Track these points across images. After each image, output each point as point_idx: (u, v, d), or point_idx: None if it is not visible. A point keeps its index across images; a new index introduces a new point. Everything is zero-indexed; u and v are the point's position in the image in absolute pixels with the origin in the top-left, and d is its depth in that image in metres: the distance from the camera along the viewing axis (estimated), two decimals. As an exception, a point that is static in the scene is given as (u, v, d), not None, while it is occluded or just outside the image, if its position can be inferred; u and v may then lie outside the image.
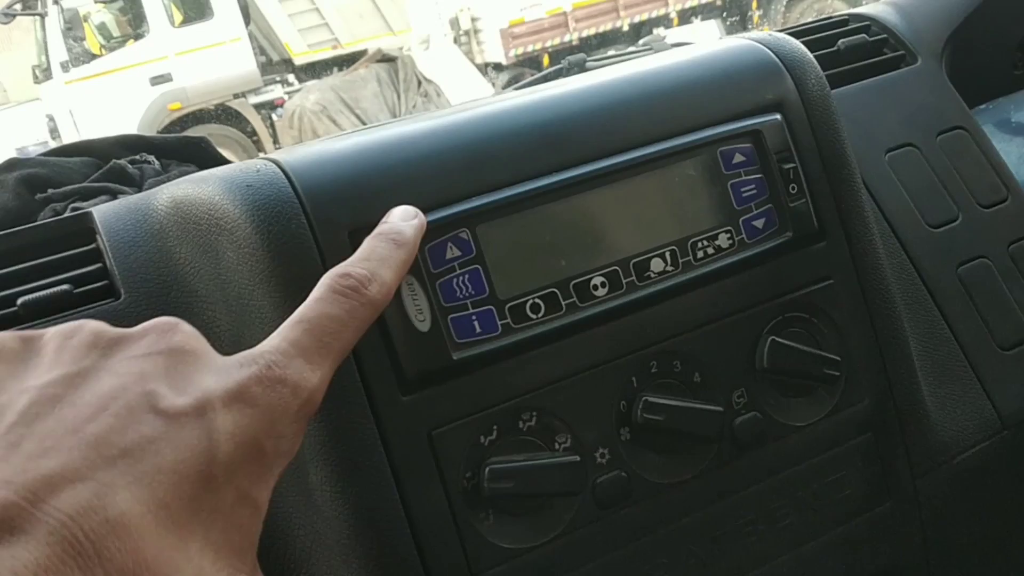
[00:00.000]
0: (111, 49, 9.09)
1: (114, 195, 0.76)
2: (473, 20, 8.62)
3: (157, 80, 8.89)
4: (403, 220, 0.47)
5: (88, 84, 8.88)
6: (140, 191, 0.78)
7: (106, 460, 0.30)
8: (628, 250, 0.59)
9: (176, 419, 0.32)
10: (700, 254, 0.61)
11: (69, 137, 8.52)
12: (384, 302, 0.42)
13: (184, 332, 0.37)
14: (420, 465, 0.54)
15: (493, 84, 8.53)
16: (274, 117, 9.30)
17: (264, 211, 0.53)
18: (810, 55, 0.67)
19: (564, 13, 8.35)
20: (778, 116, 0.64)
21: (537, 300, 0.56)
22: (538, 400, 0.57)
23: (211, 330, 0.57)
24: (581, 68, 1.08)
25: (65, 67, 8.92)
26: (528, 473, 0.55)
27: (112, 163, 0.78)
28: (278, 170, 0.55)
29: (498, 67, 8.51)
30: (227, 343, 0.56)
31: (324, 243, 0.53)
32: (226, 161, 0.82)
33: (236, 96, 9.26)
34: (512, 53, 8.29)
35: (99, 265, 0.61)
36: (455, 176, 0.56)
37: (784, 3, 9.10)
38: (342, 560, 0.54)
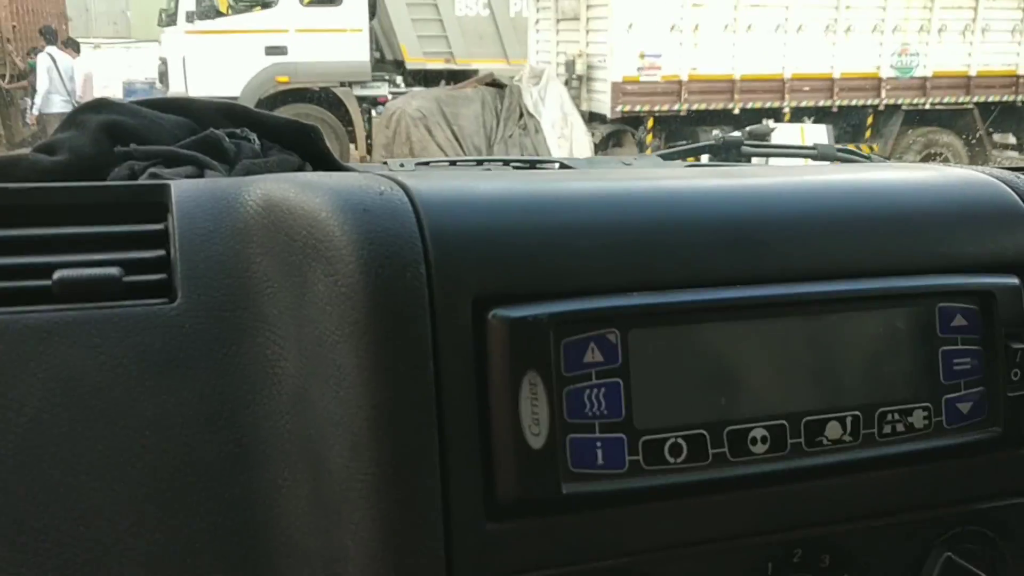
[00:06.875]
0: (237, 11, 9.26)
1: (201, 168, 0.65)
2: (589, 68, 8.56)
3: (272, 50, 9.00)
4: None
5: (207, 38, 9.04)
6: (232, 170, 0.67)
7: None
8: (802, 404, 0.46)
9: None
10: (887, 429, 0.48)
11: (176, 83, 8.64)
12: None
13: None
14: None
15: (593, 135, 8.44)
16: (373, 113, 9.33)
17: (378, 247, 0.41)
18: (1066, 213, 0.54)
19: (679, 82, 8.25)
20: (1016, 280, 0.51)
21: (679, 440, 0.44)
22: (648, 566, 0.44)
23: (272, 370, 0.45)
24: (737, 148, 0.96)
25: (190, 17, 9.10)
26: None
27: (209, 132, 0.68)
28: (405, 198, 0.44)
29: (602, 119, 8.43)
30: (287, 392, 0.44)
31: (441, 306, 0.41)
32: (334, 160, 0.71)
33: (342, 84, 9.33)
34: (619, 108, 8.20)
35: (161, 252, 0.49)
36: (619, 258, 0.44)
37: (900, 123, 8.88)
38: None
